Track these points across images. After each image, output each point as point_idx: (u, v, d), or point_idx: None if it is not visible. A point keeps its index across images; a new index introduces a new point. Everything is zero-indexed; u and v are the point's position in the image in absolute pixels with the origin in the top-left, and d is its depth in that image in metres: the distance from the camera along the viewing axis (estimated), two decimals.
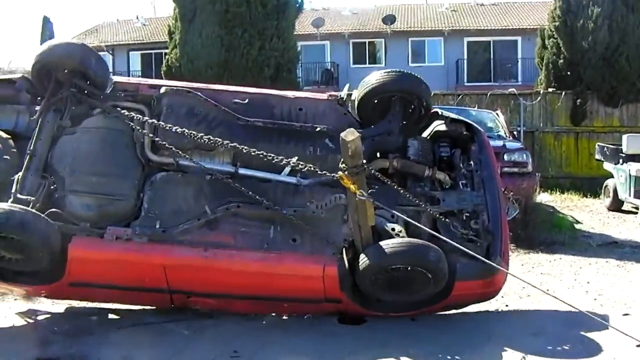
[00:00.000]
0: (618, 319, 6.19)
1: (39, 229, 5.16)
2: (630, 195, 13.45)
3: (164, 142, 5.72)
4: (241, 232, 5.63)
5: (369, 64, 34.37)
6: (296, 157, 5.72)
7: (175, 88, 6.17)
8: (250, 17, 18.65)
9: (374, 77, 6.17)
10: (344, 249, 5.61)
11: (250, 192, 5.60)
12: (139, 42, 36.58)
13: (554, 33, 19.30)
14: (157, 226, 5.56)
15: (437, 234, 5.60)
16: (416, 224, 5.56)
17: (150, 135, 5.80)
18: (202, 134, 5.66)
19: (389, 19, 34.47)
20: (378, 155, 6.15)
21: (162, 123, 5.83)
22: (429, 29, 34.78)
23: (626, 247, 10.32)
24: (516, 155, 11.52)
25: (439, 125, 6.38)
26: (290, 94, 6.51)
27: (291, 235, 5.66)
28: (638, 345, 5.35)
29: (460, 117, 6.47)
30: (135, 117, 5.84)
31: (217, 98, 6.12)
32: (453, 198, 6.02)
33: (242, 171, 5.85)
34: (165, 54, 21.07)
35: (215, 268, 5.49)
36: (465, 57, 35.29)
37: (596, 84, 18.50)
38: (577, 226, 12.35)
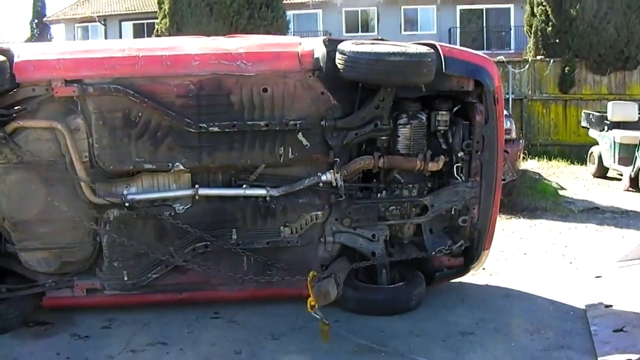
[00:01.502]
0: (590, 281, 6.37)
1: (9, 319, 5.17)
2: (614, 162, 13.48)
3: (99, 187, 5.09)
4: (214, 270, 5.33)
5: (362, 32, 34.25)
6: (264, 165, 5.24)
7: (100, 85, 4.95)
8: None
9: (368, 59, 4.83)
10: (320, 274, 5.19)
11: (215, 233, 5.24)
12: (131, 12, 36.24)
13: (542, 0, 19.28)
14: (125, 278, 5.22)
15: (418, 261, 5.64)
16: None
17: (81, 178, 5.04)
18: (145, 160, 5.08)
19: None
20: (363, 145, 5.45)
21: (96, 145, 5.03)
22: None
23: (607, 213, 10.45)
24: None
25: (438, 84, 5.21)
26: (249, 62, 5.09)
27: (265, 267, 5.41)
28: (607, 306, 5.56)
29: (470, 62, 5.34)
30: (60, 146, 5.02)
31: (155, 92, 5.00)
32: (443, 199, 5.50)
33: (202, 191, 5.19)
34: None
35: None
36: (458, 25, 35.12)
37: (584, 51, 18.48)
38: (561, 192, 12.46)
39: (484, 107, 5.35)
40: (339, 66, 4.97)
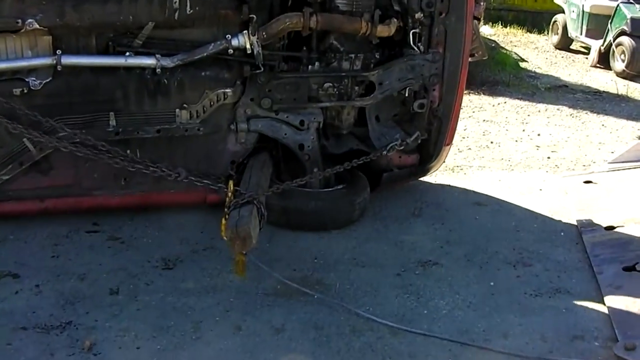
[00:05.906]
0: (578, 187, 5.16)
1: None
2: (581, 34, 12.53)
3: None
4: (85, 170, 4.12)
5: None
6: (152, 24, 3.93)
7: None
8: None
9: None
10: (232, 175, 4.18)
11: (86, 118, 3.97)
12: None
13: None
14: None
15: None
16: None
17: None
18: None
19: None
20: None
21: None
22: None
23: (577, 93, 9.30)
24: None
25: None
26: None
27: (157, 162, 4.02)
28: (607, 228, 4.47)
29: None
30: None
31: None
32: (394, 76, 4.36)
33: (66, 60, 3.88)
34: None
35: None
36: None
37: None
38: (522, 65, 11.32)
39: None
40: None
